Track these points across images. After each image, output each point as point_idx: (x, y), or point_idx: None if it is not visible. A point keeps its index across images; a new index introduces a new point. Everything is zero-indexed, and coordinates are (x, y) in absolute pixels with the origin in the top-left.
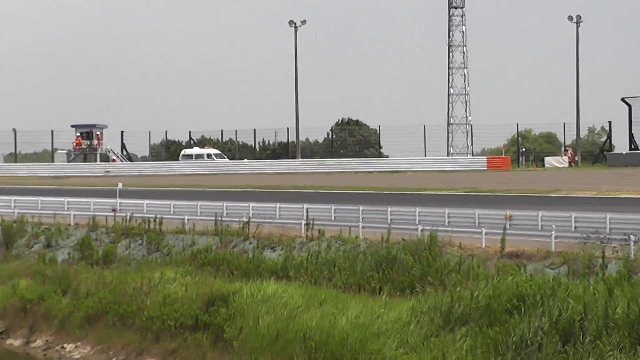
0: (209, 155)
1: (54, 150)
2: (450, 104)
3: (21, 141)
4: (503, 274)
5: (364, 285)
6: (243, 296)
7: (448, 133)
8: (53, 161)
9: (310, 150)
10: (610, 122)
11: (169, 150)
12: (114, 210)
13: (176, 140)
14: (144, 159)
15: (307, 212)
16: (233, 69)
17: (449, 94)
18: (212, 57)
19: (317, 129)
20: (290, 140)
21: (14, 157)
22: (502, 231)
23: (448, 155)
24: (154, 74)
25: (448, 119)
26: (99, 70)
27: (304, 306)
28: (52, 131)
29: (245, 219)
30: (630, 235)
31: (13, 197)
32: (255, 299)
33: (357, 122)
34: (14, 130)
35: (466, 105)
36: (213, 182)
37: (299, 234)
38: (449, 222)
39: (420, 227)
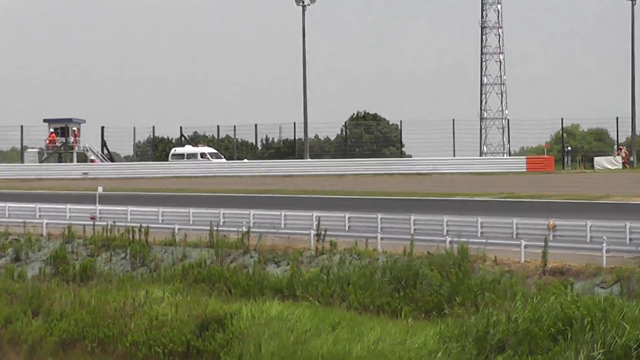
0: (203, 155)
1: (23, 148)
2: (483, 95)
3: None
4: (545, 294)
5: (384, 306)
6: (242, 318)
7: (481, 129)
8: (23, 161)
9: (321, 149)
10: None
11: (156, 148)
12: (93, 218)
13: (165, 137)
14: (127, 158)
15: (317, 220)
16: (231, 55)
17: (482, 84)
18: (206, 41)
19: (328, 125)
20: (297, 138)
21: None
22: (544, 243)
23: (481, 155)
24: (139, 61)
25: (481, 112)
26: (75, 57)
27: (313, 330)
28: (22, 126)
29: (245, 229)
30: None
31: None
32: (256, 322)
33: (374, 117)
34: None
35: (502, 96)
36: (208, 185)
37: (308, 246)
38: (482, 233)
39: (448, 239)
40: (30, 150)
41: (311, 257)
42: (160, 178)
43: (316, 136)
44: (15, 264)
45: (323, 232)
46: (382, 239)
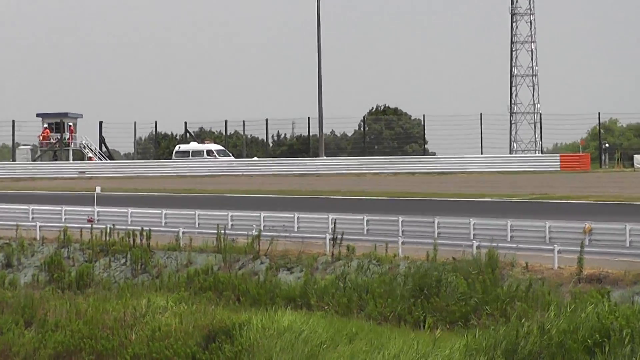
0: (209, 152)
1: (15, 145)
2: (513, 88)
3: None
4: (581, 303)
5: (405, 315)
6: (252, 329)
7: (511, 124)
8: (14, 159)
9: (337, 147)
10: None
11: (159, 145)
12: (90, 220)
13: (168, 133)
14: (127, 156)
15: (333, 223)
16: (239, 44)
17: (511, 75)
18: (212, 30)
19: (345, 120)
20: (311, 134)
21: None
22: (579, 248)
23: (511, 153)
24: (139, 51)
25: (511, 106)
26: (71, 47)
27: (329, 342)
28: (13, 121)
29: (255, 233)
30: None
31: None
32: (267, 333)
33: (395, 111)
34: None
35: (534, 89)
36: (215, 185)
37: (323, 251)
38: (511, 237)
39: (475, 243)
40: (22, 147)
41: (327, 263)
42: (163, 177)
43: (332, 132)
44: (7, 271)
45: (339, 236)
46: (403, 243)
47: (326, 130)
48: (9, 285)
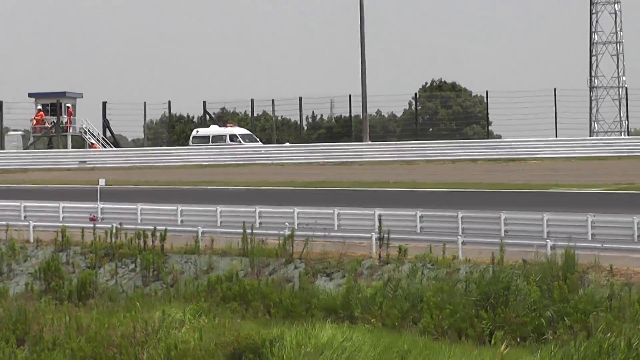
0: (233, 137)
1: (4, 130)
2: (593, 58)
3: None
4: None
5: (467, 329)
6: (285, 347)
7: (591, 101)
8: (3, 147)
9: (384, 130)
10: None
11: (173, 130)
12: (93, 219)
13: (184, 115)
14: (136, 142)
15: (379, 220)
16: (266, 9)
17: (591, 43)
18: None
19: (393, 98)
20: (353, 114)
21: None
22: None
23: (591, 135)
24: (149, 19)
25: (590, 80)
26: (69, 15)
27: None
28: (2, 103)
29: (287, 232)
30: None
31: None
32: (303, 351)
33: (453, 86)
34: None
35: (618, 59)
36: (239, 176)
37: (368, 253)
38: (593, 235)
39: (550, 243)
40: (12, 133)
41: (373, 268)
42: (179, 167)
43: (378, 112)
44: None
45: (387, 235)
46: (464, 243)
47: (371, 110)
48: None
